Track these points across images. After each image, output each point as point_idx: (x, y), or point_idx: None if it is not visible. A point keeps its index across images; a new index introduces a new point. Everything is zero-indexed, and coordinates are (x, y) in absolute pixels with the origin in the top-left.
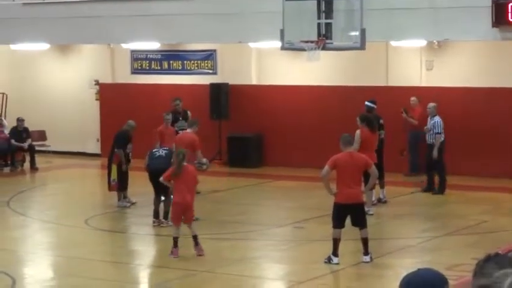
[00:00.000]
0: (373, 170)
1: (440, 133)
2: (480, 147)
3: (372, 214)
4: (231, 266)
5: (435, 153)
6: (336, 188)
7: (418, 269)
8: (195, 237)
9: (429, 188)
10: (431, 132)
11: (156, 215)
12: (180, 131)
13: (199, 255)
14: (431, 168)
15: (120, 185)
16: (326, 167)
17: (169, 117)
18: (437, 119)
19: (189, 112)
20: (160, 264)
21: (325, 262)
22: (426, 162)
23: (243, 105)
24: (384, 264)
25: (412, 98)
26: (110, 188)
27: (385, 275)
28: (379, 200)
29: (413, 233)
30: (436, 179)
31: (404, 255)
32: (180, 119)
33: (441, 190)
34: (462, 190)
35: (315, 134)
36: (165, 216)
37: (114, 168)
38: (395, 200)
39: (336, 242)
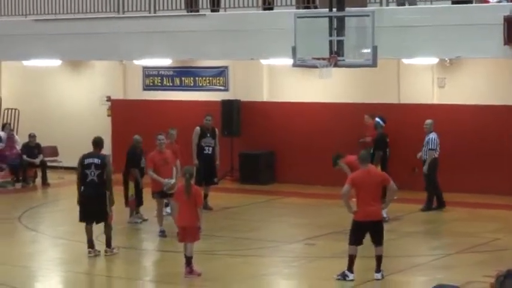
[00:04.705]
0: (392, 186)
1: (433, 149)
2: (492, 164)
3: (387, 221)
4: (242, 283)
5: (425, 168)
6: (357, 206)
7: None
8: (189, 258)
9: (428, 207)
10: (425, 148)
11: (91, 244)
12: (206, 148)
13: (186, 276)
14: (429, 187)
15: (138, 201)
16: (346, 186)
17: (162, 137)
18: (432, 135)
19: (216, 130)
20: (170, 280)
21: (339, 279)
22: (424, 180)
23: (255, 122)
24: (395, 282)
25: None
26: (127, 204)
27: None
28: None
29: (424, 250)
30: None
31: (416, 273)
32: (208, 135)
33: (440, 206)
34: (472, 208)
35: (326, 151)
36: (108, 244)
37: (131, 184)
38: (405, 217)
39: (351, 258)
